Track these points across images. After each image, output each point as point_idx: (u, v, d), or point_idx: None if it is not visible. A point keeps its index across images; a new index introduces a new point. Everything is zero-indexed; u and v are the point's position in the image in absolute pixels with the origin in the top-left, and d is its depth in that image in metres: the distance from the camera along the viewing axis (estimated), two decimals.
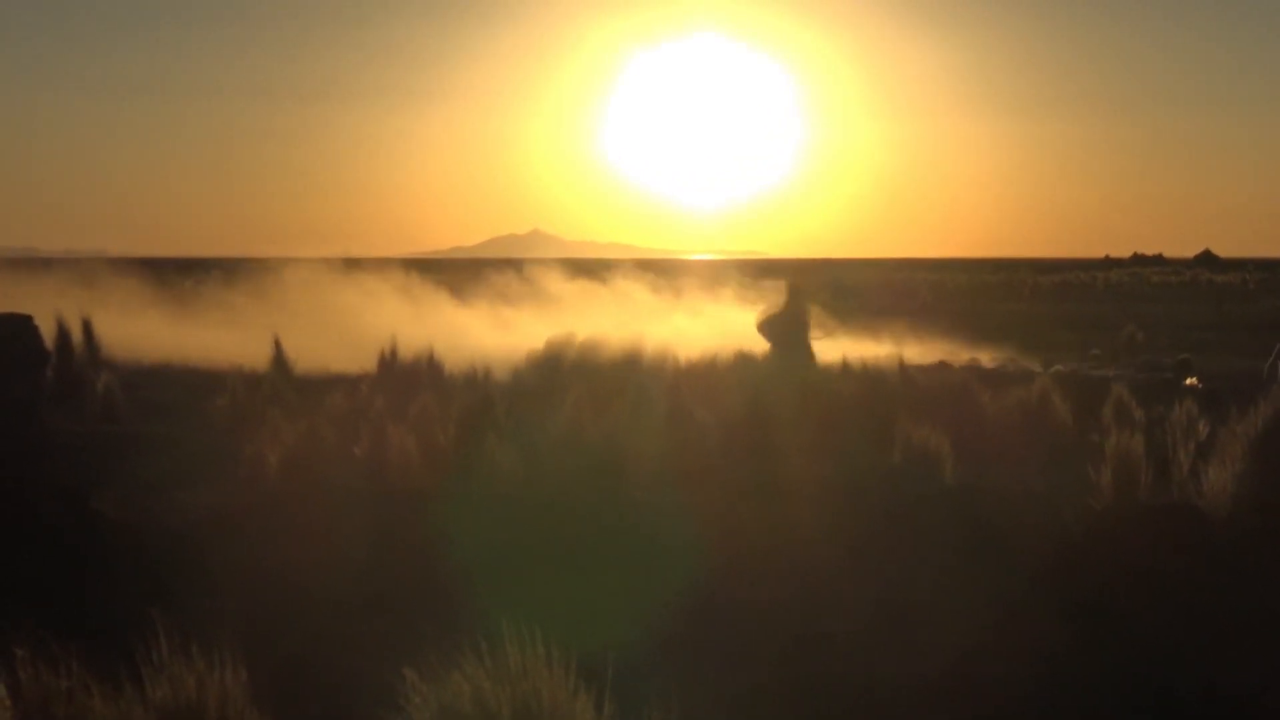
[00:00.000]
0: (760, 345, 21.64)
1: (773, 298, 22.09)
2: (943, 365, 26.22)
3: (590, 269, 52.34)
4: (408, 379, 18.02)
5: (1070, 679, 7.99)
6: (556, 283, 43.59)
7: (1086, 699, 7.77)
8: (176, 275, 43.53)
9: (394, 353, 19.14)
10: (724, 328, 30.77)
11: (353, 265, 43.92)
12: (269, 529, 10.64)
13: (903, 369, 20.62)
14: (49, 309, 20.29)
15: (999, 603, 9.11)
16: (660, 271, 50.26)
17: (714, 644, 8.50)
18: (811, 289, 23.28)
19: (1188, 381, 23.24)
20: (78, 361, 21.16)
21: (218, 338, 26.66)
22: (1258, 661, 8.23)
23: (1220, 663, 8.19)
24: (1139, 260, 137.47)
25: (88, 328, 23.34)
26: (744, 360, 21.18)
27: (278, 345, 20.97)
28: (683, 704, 6.57)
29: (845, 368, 20.27)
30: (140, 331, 27.21)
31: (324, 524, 10.83)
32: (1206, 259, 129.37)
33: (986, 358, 29.46)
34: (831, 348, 22.48)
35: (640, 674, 7.01)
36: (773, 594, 9.40)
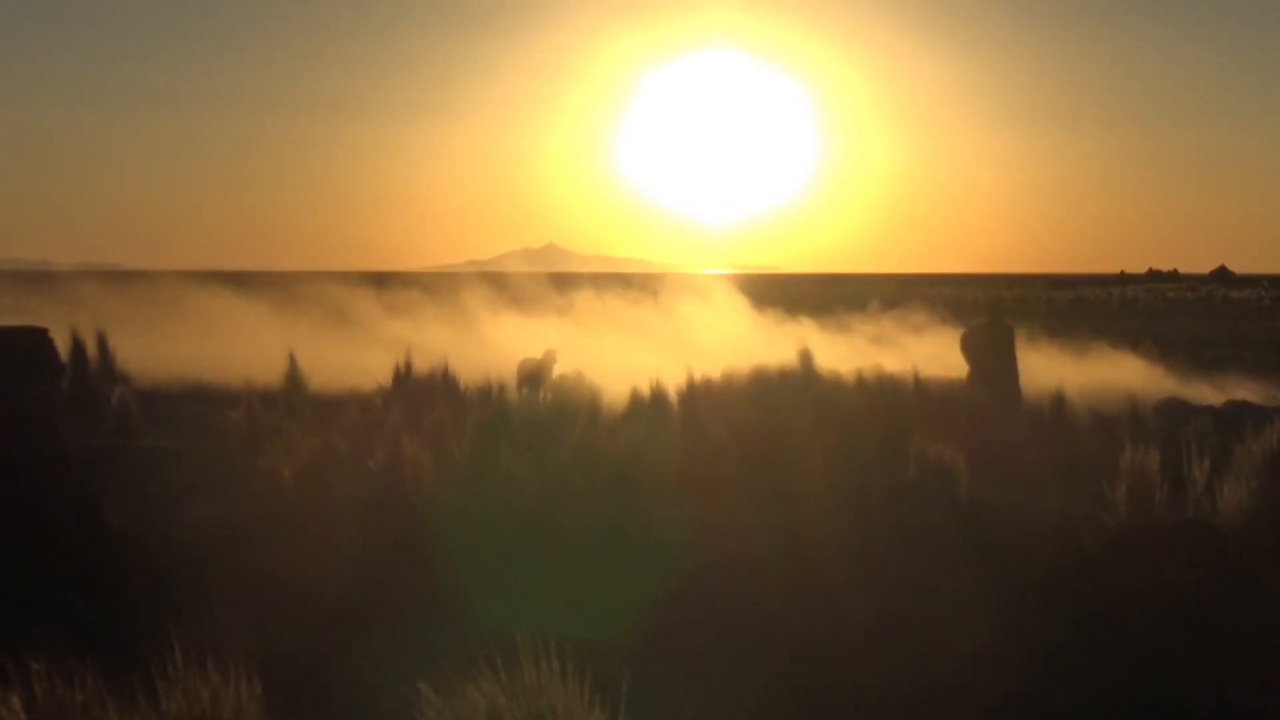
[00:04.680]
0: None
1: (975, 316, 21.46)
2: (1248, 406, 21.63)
3: (605, 283, 52.41)
4: (423, 392, 18.00)
5: (1081, 691, 7.97)
6: (571, 296, 43.65)
7: (1097, 711, 7.76)
8: (191, 288, 43.57)
9: (409, 366, 19.13)
10: (737, 342, 30.75)
11: (368, 279, 43.98)
12: (283, 542, 10.65)
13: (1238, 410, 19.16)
14: (64, 322, 20.32)
15: (1010, 615, 9.09)
16: (674, 286, 50.28)
17: (725, 653, 8.49)
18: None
19: None
20: (92, 375, 21.17)
21: (232, 351, 26.68)
22: (1271, 676, 8.21)
23: (1234, 677, 8.17)
24: (1154, 276, 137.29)
25: (102, 341, 23.37)
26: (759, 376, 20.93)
27: (292, 359, 20.98)
28: (695, 713, 6.57)
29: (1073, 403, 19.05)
30: (155, 345, 27.25)
31: (338, 537, 10.83)
32: (1222, 275, 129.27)
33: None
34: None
35: (653, 684, 7.01)
36: (784, 604, 9.40)
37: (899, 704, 7.76)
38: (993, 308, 20.92)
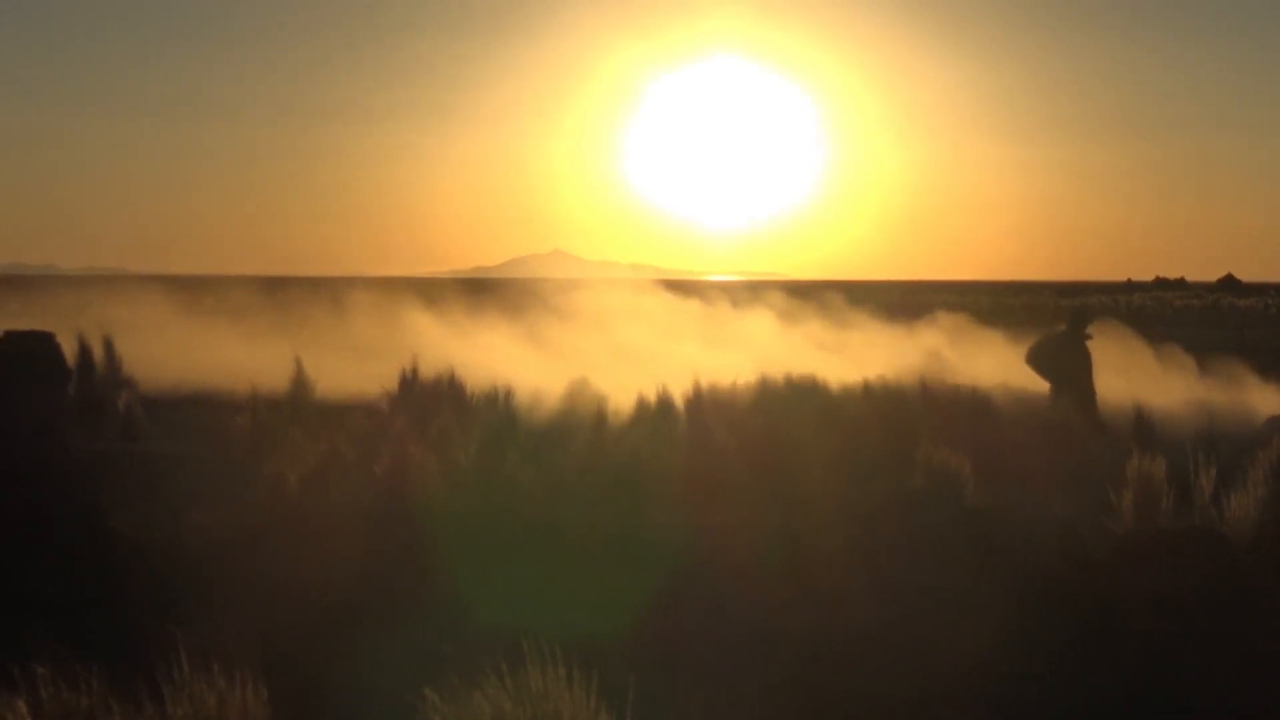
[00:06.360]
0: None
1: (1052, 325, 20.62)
2: None
3: (611, 289, 52.39)
4: (429, 398, 17.99)
5: (1085, 697, 7.97)
6: (578, 302, 43.61)
7: (1102, 717, 7.76)
8: (197, 293, 43.65)
9: (415, 372, 19.13)
10: (744, 348, 30.74)
11: (373, 284, 43.97)
12: (288, 547, 10.64)
13: None
14: (70, 326, 20.32)
15: (1014, 621, 9.09)
16: (681, 292, 50.26)
17: (730, 657, 8.50)
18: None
19: None
20: (99, 379, 21.17)
21: (239, 356, 26.68)
22: (1275, 683, 8.21)
23: (1238, 684, 8.17)
24: (1161, 284, 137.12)
25: (109, 345, 23.37)
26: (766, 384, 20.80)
27: (298, 364, 20.97)
28: (700, 717, 6.56)
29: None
30: (161, 350, 27.26)
31: (343, 542, 10.83)
32: (1229, 283, 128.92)
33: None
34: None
35: (659, 688, 7.01)
36: (788, 608, 9.40)
37: (902, 708, 7.77)
38: (1076, 316, 19.83)
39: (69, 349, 13.80)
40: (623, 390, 18.20)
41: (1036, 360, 19.65)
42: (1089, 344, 19.71)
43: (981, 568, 10.21)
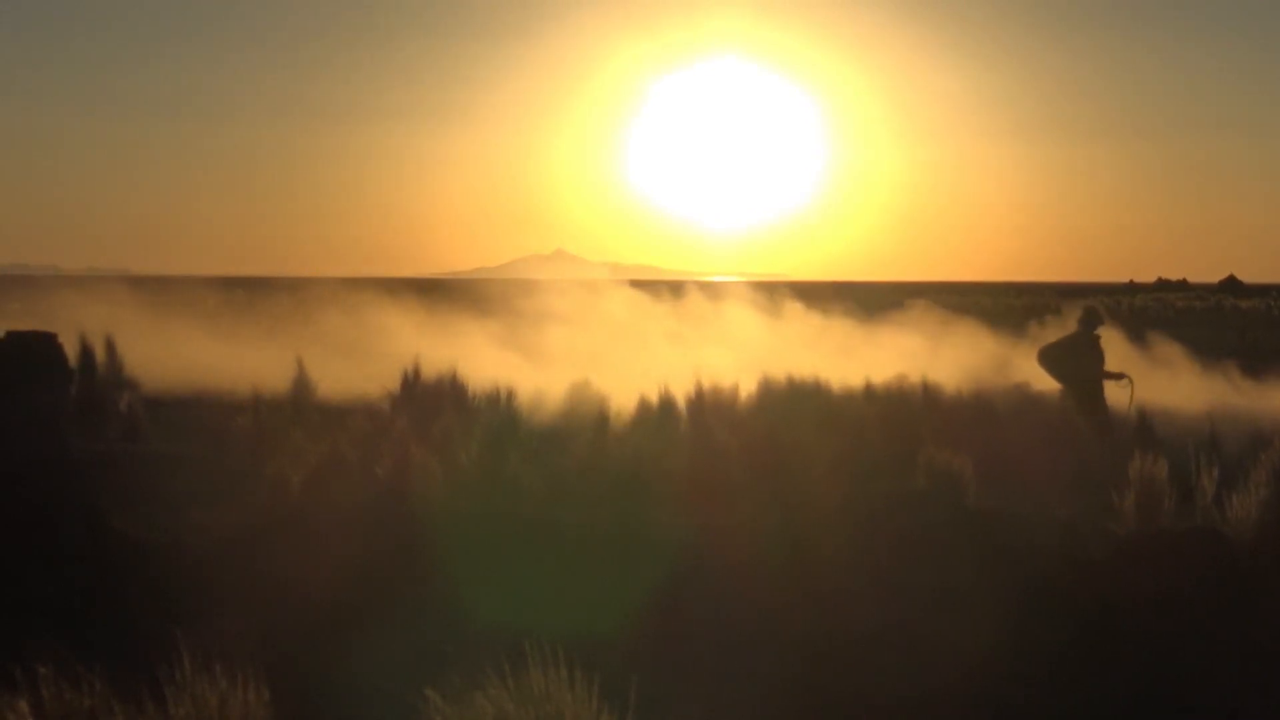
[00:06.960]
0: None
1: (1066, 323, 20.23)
2: None
3: (613, 290, 52.34)
4: (431, 400, 17.98)
5: (1086, 697, 7.97)
6: (581, 303, 43.60)
7: (1103, 717, 7.75)
8: (199, 293, 43.69)
9: (417, 373, 19.12)
10: (745, 348, 30.74)
11: (375, 285, 43.94)
12: (289, 547, 10.64)
13: None
14: (73, 326, 20.30)
15: (1015, 621, 9.09)
16: (683, 293, 50.24)
17: (732, 658, 8.50)
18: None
19: None
20: (100, 380, 21.15)
21: (241, 357, 26.67)
22: (1277, 684, 8.21)
23: (1239, 684, 8.17)
24: (1163, 285, 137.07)
25: (111, 346, 23.35)
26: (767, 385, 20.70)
27: (300, 365, 20.95)
28: (702, 718, 6.56)
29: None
30: (163, 350, 27.25)
31: (344, 542, 10.83)
32: (1231, 284, 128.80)
33: None
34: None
35: (660, 689, 7.01)
36: (790, 609, 9.40)
37: (903, 708, 7.77)
38: (1086, 316, 19.57)
39: (71, 349, 13.80)
40: (624, 391, 18.20)
41: (1048, 360, 19.55)
42: (1100, 343, 19.61)
43: (982, 568, 10.21)
